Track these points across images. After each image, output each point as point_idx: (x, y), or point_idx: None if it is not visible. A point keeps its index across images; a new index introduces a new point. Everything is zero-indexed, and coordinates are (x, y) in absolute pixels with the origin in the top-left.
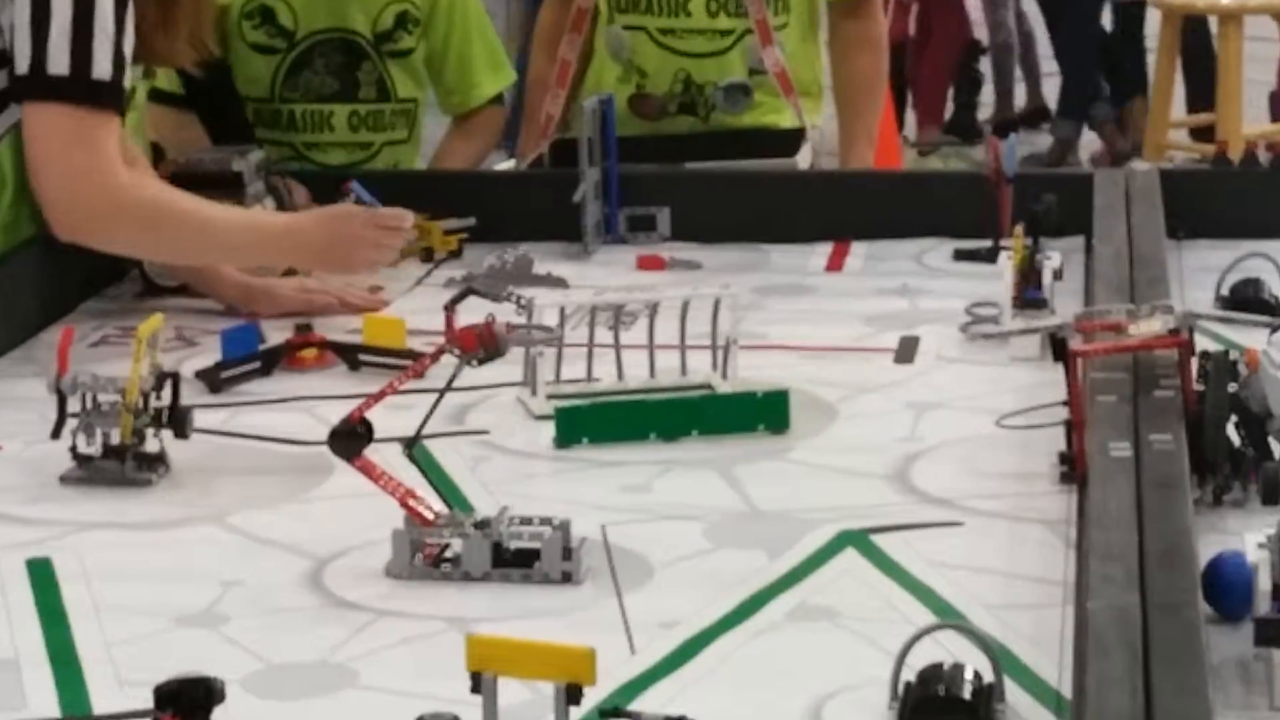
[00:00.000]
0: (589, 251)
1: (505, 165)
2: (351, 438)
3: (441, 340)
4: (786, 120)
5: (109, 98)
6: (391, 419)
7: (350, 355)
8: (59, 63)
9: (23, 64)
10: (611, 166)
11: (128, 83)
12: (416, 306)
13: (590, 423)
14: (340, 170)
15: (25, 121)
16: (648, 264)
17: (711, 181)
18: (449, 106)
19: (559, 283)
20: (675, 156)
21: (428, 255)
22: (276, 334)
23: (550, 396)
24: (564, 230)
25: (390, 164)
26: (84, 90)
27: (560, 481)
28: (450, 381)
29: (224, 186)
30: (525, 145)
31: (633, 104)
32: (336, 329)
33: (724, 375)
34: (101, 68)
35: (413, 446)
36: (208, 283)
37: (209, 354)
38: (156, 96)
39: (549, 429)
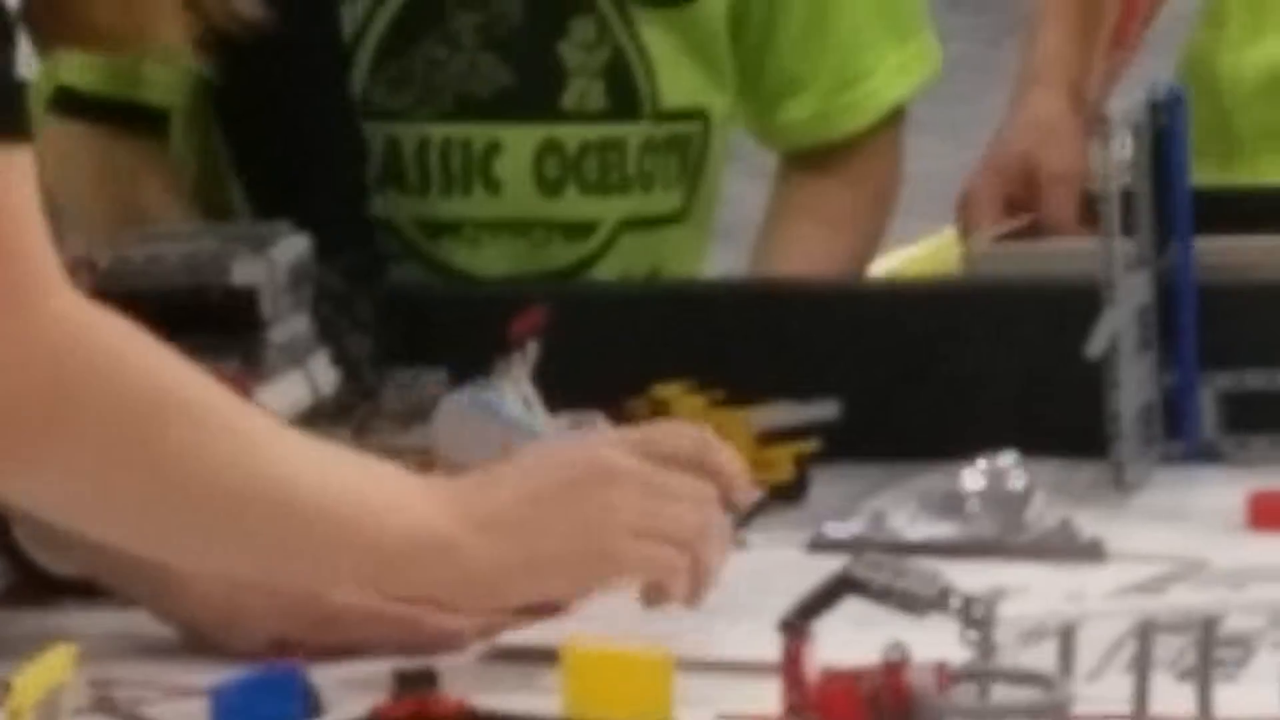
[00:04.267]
0: (1127, 484)
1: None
2: None
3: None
4: None
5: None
6: None
7: None
8: None
9: None
10: (1182, 267)
11: (25, 69)
12: (704, 624)
13: None
14: (508, 287)
15: None
16: (1278, 514)
17: None
18: (789, 129)
19: (1085, 553)
20: None
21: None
22: (348, 693)
23: None
24: (1061, 431)
25: (643, 270)
26: None
27: None
28: None
29: (211, 327)
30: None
31: None
32: (502, 680)
33: None
34: None
35: None
36: (148, 579)
37: None
38: (61, 105)
39: None
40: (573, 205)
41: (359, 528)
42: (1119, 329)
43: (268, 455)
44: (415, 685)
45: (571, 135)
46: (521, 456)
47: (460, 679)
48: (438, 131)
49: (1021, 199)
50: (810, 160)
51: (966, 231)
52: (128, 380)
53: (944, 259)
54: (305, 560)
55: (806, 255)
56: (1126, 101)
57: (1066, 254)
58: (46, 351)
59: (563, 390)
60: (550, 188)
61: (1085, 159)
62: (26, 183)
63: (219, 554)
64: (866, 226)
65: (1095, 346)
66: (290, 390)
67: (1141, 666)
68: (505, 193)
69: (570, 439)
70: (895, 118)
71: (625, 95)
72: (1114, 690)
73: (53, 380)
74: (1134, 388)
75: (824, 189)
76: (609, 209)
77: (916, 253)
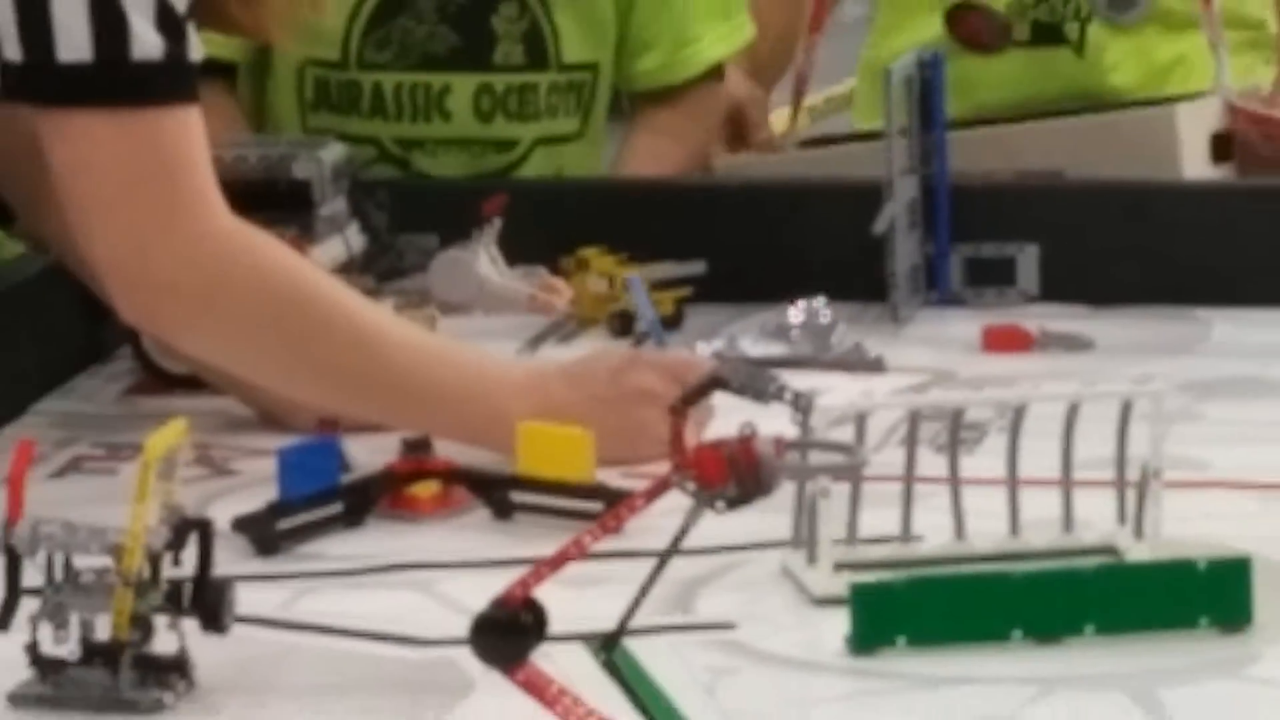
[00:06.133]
0: (900, 320)
1: None
2: (509, 632)
3: (663, 467)
4: (1195, 59)
5: (170, 84)
6: (576, 602)
7: (498, 493)
8: (75, 43)
9: (13, 49)
10: (939, 173)
11: (195, 54)
12: None
13: (910, 611)
14: (464, 182)
15: (43, 138)
16: (1001, 341)
17: (1110, 199)
18: (642, 76)
19: (871, 365)
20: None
21: (625, 324)
22: (370, 455)
23: (841, 566)
24: (855, 283)
25: (551, 173)
26: (124, 81)
27: (861, 710)
28: (678, 538)
29: (276, 206)
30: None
31: (954, 24)
32: (477, 450)
33: (1138, 532)
34: (145, 42)
35: (612, 649)
36: (236, 379)
37: (256, 490)
38: None
39: (840, 620)
40: (501, 129)
41: (450, 408)
42: (896, 214)
43: (383, 343)
44: (416, 449)
45: (500, 81)
46: (582, 365)
47: (449, 447)
48: (408, 78)
49: (736, 133)
50: (658, 97)
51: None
52: (273, 277)
53: None
54: (403, 423)
55: (655, 159)
56: (903, 61)
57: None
58: (211, 250)
59: (515, 250)
60: (485, 117)
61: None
62: (199, 135)
63: (338, 406)
64: (695, 142)
65: (879, 226)
66: (332, 249)
67: (910, 442)
68: (454, 120)
69: (621, 355)
70: (718, 70)
71: (538, 53)
72: (891, 459)
73: (214, 271)
74: (906, 255)
75: (667, 117)
76: (526, 131)
77: None
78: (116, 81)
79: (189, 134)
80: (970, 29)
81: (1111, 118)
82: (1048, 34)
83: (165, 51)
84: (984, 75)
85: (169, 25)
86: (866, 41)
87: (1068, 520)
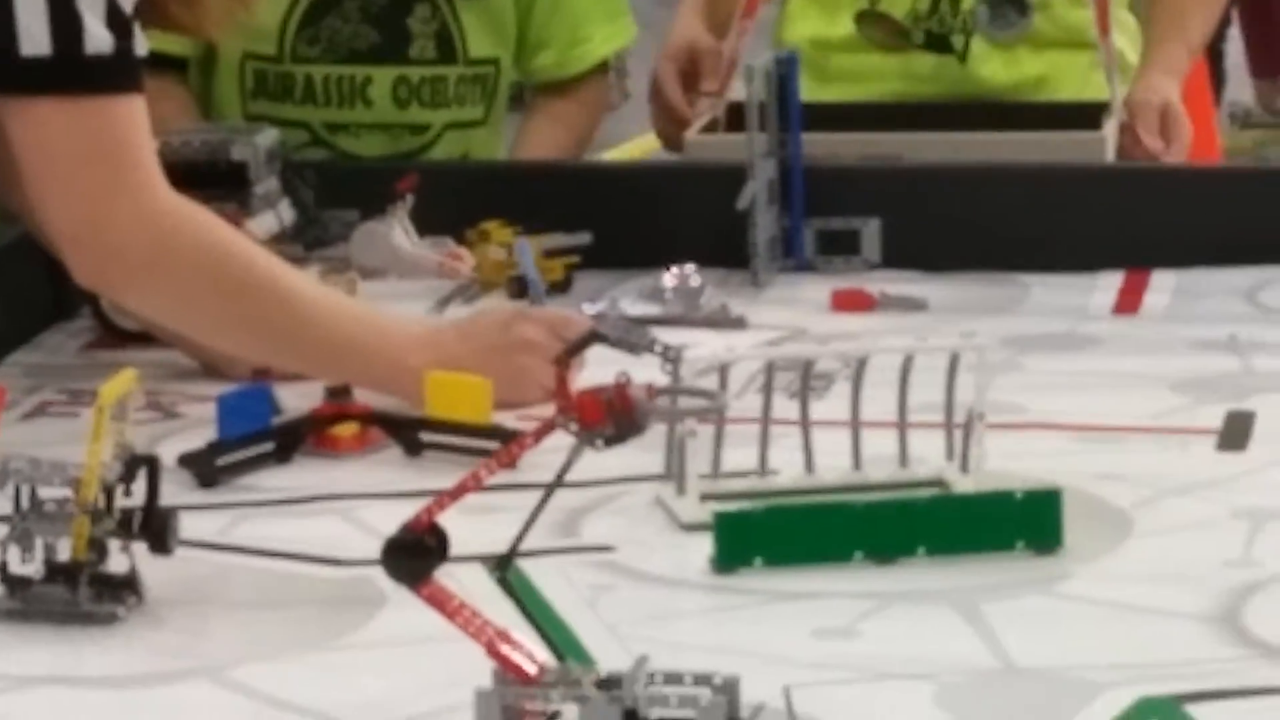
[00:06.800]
0: (760, 284)
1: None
2: (416, 553)
3: (549, 411)
4: (1075, 74)
5: (118, 75)
6: (474, 527)
7: (408, 433)
8: (35, 39)
9: None
10: (794, 156)
11: (141, 49)
12: None
13: (765, 536)
14: (381, 163)
15: (7, 123)
16: (847, 302)
17: (942, 179)
18: (538, 70)
19: (734, 324)
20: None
21: (521, 287)
22: (298, 401)
23: (706, 497)
24: (721, 252)
25: (458, 154)
26: (78, 73)
27: (722, 622)
28: (562, 472)
29: (217, 184)
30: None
31: (863, 25)
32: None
33: (964, 467)
34: (97, 38)
35: (506, 568)
36: (180, 336)
37: (199, 430)
38: None
39: (705, 544)
40: (415, 115)
41: (359, 359)
42: (757, 192)
43: (303, 304)
44: (338, 395)
45: (415, 73)
46: (474, 321)
47: (367, 393)
48: (335, 70)
49: (689, 73)
50: (552, 89)
51: (658, 98)
52: (207, 245)
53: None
54: (319, 373)
55: (547, 143)
56: (762, 59)
57: (733, 143)
58: (153, 221)
59: (426, 223)
60: (402, 104)
61: (718, 48)
62: (144, 120)
63: (264, 358)
64: (584, 128)
65: (742, 202)
66: (266, 222)
67: (767, 389)
68: (375, 107)
69: (507, 312)
70: (604, 66)
71: (448, 49)
72: (750, 403)
73: (155, 239)
74: (765, 227)
75: (559, 106)
76: (437, 117)
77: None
78: (72, 73)
79: (135, 120)
80: (875, 30)
81: (1049, 136)
82: (938, 42)
83: (115, 47)
84: (884, 70)
85: (118, 23)
86: (775, 25)
87: (903, 457)
